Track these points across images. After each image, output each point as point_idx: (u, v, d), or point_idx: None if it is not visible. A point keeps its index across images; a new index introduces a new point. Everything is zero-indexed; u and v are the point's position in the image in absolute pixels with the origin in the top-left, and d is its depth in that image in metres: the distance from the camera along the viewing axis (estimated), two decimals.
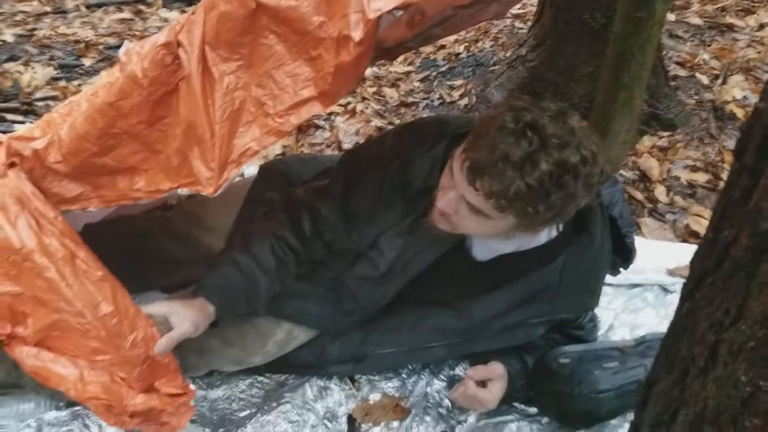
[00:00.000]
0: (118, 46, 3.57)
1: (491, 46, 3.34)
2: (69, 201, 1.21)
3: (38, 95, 3.08)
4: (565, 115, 1.16)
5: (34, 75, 3.23)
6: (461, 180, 1.17)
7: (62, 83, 3.20)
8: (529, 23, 3.09)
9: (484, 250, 1.40)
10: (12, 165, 1.21)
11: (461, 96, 2.92)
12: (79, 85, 3.20)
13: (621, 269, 1.59)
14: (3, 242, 1.15)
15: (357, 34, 0.87)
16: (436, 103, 2.98)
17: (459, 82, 3.08)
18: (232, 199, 1.67)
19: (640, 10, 1.87)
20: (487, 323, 1.45)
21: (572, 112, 1.20)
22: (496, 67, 2.98)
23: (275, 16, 0.99)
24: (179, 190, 1.18)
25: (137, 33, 3.75)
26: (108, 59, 3.44)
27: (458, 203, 1.20)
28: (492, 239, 1.36)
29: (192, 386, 1.37)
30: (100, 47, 3.58)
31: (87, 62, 3.42)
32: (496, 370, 1.44)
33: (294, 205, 1.44)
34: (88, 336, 1.21)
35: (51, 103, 3.01)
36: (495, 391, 1.43)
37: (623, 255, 1.52)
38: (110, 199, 1.22)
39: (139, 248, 1.59)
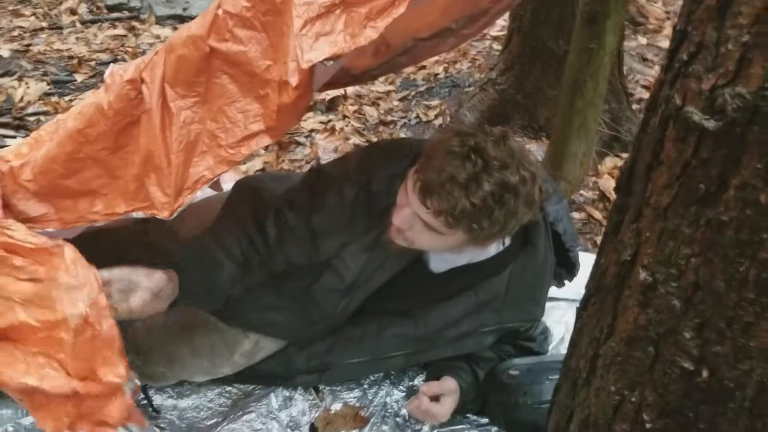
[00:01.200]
0: (111, 62, 3.69)
1: (468, 68, 3.46)
2: (33, 220, 1.29)
3: (30, 110, 3.19)
4: (506, 139, 1.28)
5: (27, 90, 3.34)
6: (414, 199, 1.28)
7: (54, 98, 3.31)
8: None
9: (440, 262, 1.51)
10: None
11: (436, 116, 3.04)
12: (70, 100, 3.31)
13: (566, 281, 1.69)
14: None
15: (294, 80, 0.99)
16: (414, 122, 3.10)
17: (435, 102, 3.19)
18: (206, 215, 1.76)
19: (592, 42, 1.99)
20: (441, 332, 1.55)
21: (512, 136, 1.32)
22: (471, 88, 3.10)
23: (227, 60, 1.10)
24: (134, 213, 1.29)
25: (129, 50, 3.86)
26: (99, 75, 3.55)
27: (413, 220, 1.31)
28: (446, 252, 1.46)
29: (137, 381, 1.31)
30: (93, 63, 3.69)
31: (79, 78, 3.53)
32: (449, 385, 1.53)
33: (261, 210, 1.50)
34: (15, 310, 1.21)
35: (42, 118, 3.12)
36: (447, 406, 1.52)
37: (567, 268, 1.63)
38: (69, 220, 1.31)
39: (118, 260, 1.68)
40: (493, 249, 1.48)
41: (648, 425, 0.79)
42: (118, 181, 1.26)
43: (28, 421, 1.60)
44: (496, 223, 1.26)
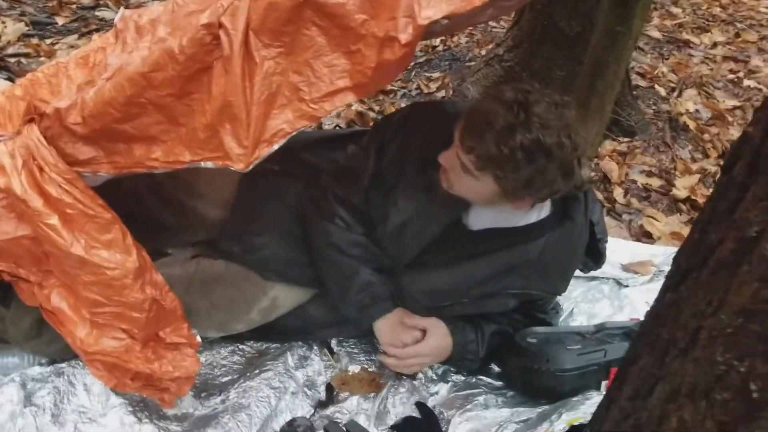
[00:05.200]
0: (92, 8, 3.52)
1: (467, 42, 3.46)
2: (81, 163, 1.26)
3: (10, 51, 3.02)
4: (563, 107, 1.30)
5: (5, 30, 3.15)
6: (456, 136, 1.32)
7: (35, 40, 3.14)
8: (504, 24, 3.22)
9: (478, 218, 1.52)
10: (30, 121, 1.26)
11: (438, 88, 3.03)
12: (53, 43, 3.15)
13: (590, 270, 1.73)
14: (9, 190, 1.20)
15: (404, 37, 0.97)
16: (414, 93, 3.08)
17: (436, 74, 3.19)
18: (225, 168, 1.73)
19: (620, 25, 2.02)
20: (467, 289, 1.56)
21: (572, 107, 1.32)
22: (472, 63, 3.10)
23: (320, 10, 1.07)
24: (203, 164, 1.24)
25: None
26: (82, 20, 3.39)
27: (454, 160, 1.34)
28: (486, 208, 1.48)
29: (198, 338, 1.41)
30: (73, 6, 3.51)
31: (60, 21, 3.35)
32: (430, 320, 1.57)
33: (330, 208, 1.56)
34: (88, 288, 1.26)
35: (23, 60, 2.96)
36: (429, 342, 1.55)
37: (594, 258, 1.66)
38: (123, 165, 1.27)
39: (128, 211, 1.62)
40: (533, 216, 1.50)
41: (755, 395, 0.82)
42: (180, 128, 1.21)
43: (35, 371, 1.54)
44: (522, 179, 1.29)
